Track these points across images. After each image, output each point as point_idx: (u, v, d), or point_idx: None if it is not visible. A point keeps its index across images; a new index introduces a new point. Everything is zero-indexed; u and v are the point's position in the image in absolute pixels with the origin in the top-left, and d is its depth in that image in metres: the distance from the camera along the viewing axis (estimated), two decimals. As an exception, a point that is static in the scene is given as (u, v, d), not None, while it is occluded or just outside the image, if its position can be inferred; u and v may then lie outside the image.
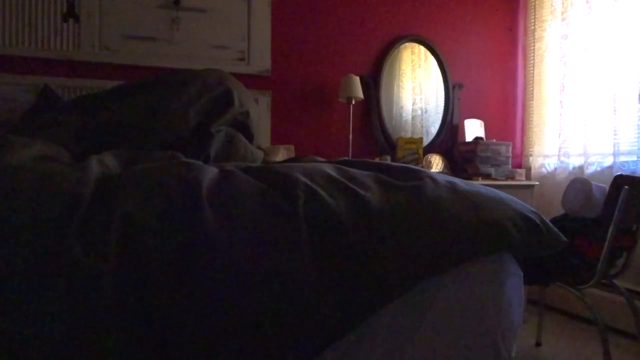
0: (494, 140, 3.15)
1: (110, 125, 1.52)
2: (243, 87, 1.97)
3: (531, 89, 3.41)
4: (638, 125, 2.60)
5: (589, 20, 2.91)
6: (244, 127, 1.77)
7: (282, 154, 2.58)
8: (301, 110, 3.01)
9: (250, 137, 1.79)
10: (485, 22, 3.48)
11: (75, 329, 0.72)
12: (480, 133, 3.29)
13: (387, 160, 2.88)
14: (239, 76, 2.79)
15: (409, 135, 3.21)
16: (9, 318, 0.70)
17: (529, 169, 3.33)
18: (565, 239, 1.15)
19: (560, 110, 3.11)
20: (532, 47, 3.40)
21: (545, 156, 3.25)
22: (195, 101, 1.63)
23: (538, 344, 2.27)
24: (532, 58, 3.41)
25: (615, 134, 2.69)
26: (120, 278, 0.76)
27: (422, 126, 3.31)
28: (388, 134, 3.16)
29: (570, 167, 3.02)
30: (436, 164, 3.10)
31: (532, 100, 3.39)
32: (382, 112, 3.16)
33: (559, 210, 2.17)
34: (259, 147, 1.90)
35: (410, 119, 3.29)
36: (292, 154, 2.69)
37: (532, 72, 3.40)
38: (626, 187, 1.78)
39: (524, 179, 3.11)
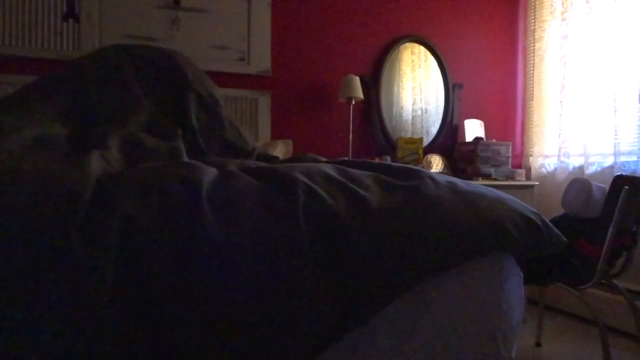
0: (494, 141, 3.15)
1: (95, 109, 1.50)
2: (196, 66, 1.92)
3: (531, 89, 3.41)
4: (638, 125, 2.60)
5: (589, 20, 2.91)
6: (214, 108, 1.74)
7: (280, 148, 2.58)
8: (301, 111, 3.01)
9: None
10: (485, 22, 3.48)
11: (76, 328, 0.72)
12: (480, 133, 3.29)
13: (387, 160, 2.88)
14: (239, 76, 2.81)
15: (409, 135, 3.21)
16: (10, 317, 0.71)
17: (529, 169, 3.32)
18: (565, 239, 1.15)
19: (560, 110, 3.11)
20: (532, 47, 3.40)
21: (545, 156, 3.25)
22: (167, 97, 1.63)
23: (538, 344, 2.27)
24: (532, 58, 3.41)
25: (615, 134, 2.69)
26: (120, 278, 0.76)
27: (422, 126, 3.31)
28: (388, 134, 3.16)
29: (570, 167, 3.02)
30: (436, 164, 3.10)
31: (532, 100, 3.38)
32: (382, 112, 3.16)
33: (559, 210, 2.17)
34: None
35: (410, 119, 3.29)
36: (291, 148, 2.69)
37: (532, 72, 3.40)
38: (626, 187, 1.78)
39: (524, 179, 3.11)
